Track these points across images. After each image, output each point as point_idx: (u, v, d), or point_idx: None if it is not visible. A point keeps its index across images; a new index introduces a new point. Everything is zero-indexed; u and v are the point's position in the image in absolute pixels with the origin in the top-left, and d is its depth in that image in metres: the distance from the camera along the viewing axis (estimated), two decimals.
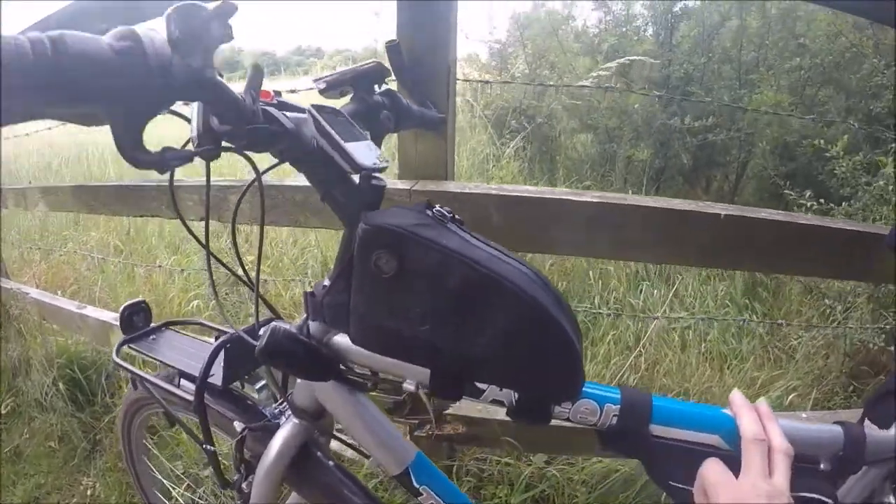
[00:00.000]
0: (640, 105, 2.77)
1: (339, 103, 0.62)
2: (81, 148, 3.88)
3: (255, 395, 0.72)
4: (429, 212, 0.46)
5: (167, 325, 0.84)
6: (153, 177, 1.38)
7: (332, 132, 0.46)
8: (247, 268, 0.66)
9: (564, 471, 1.29)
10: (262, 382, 0.73)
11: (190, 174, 1.40)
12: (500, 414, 1.13)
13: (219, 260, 0.65)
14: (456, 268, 0.43)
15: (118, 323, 0.79)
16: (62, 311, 1.73)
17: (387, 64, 0.72)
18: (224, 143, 0.46)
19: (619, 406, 0.48)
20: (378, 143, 0.61)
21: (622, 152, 2.90)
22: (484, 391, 0.50)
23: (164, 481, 1.12)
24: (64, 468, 1.53)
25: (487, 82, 2.63)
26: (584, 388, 0.49)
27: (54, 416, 1.64)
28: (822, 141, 1.71)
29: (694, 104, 2.65)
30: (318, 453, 0.66)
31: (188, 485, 1.27)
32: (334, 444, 1.23)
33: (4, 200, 1.90)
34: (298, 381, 0.61)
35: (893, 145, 1.54)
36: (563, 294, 0.49)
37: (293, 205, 1.03)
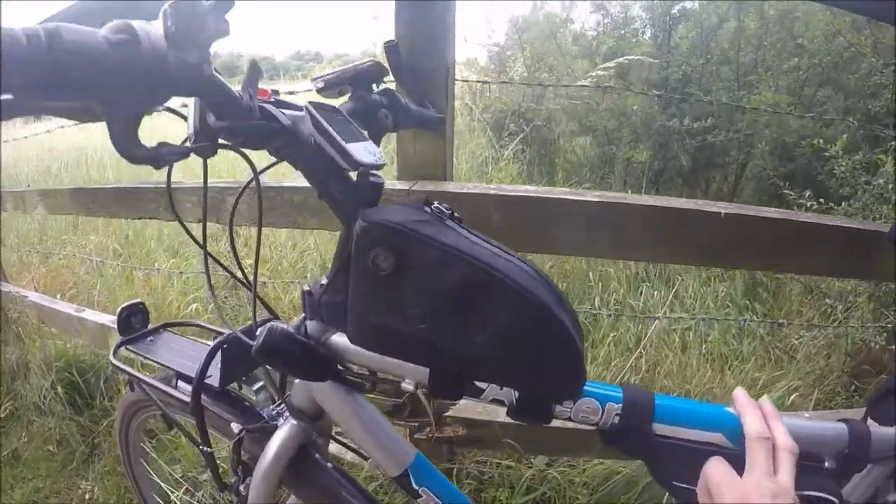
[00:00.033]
0: (639, 107, 2.77)
1: (338, 103, 0.62)
2: (81, 152, 3.87)
3: (253, 397, 0.72)
4: (427, 209, 0.46)
5: (165, 326, 0.83)
6: (151, 179, 1.38)
7: (330, 129, 0.46)
8: (245, 270, 0.65)
9: (565, 473, 1.28)
10: (260, 384, 0.73)
11: (189, 176, 1.40)
12: (501, 416, 1.14)
13: (216, 260, 0.64)
14: (455, 265, 0.42)
15: (116, 325, 0.79)
16: (61, 315, 1.73)
17: (385, 63, 0.72)
18: (221, 141, 0.46)
19: (621, 405, 0.48)
20: (376, 143, 0.61)
21: (621, 154, 2.90)
22: (484, 390, 0.49)
23: (163, 485, 1.11)
24: (62, 472, 1.52)
25: (486, 82, 2.62)
26: (585, 387, 0.48)
27: (53, 419, 1.63)
28: (821, 140, 1.71)
29: (693, 106, 2.66)
30: (317, 455, 0.65)
31: (187, 488, 1.26)
32: (334, 448, 1.23)
33: (4, 203, 1.89)
34: (296, 381, 0.61)
35: (893, 143, 1.54)
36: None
37: (291, 206, 1.03)
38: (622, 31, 3.15)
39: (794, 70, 2.46)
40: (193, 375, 0.65)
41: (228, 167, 2.64)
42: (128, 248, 2.53)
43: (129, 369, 0.73)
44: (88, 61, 0.31)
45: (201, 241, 0.61)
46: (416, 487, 0.61)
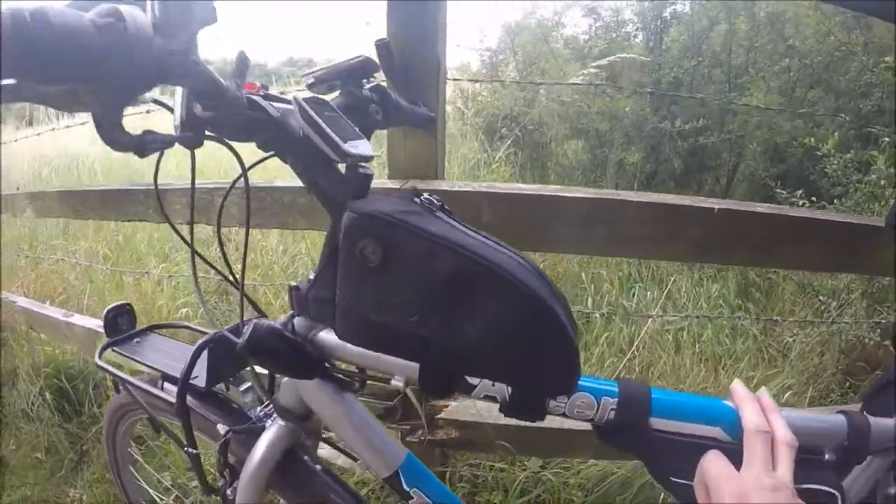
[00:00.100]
0: (631, 109, 2.78)
1: (328, 99, 0.61)
2: (72, 158, 3.84)
3: (241, 398, 0.70)
4: (417, 200, 0.45)
5: (152, 328, 0.82)
6: (140, 181, 1.37)
7: (319, 120, 0.45)
8: (233, 270, 0.64)
9: (560, 475, 1.27)
10: (248, 384, 0.71)
11: (176, 178, 1.38)
12: (494, 417, 1.12)
13: (203, 258, 0.63)
14: (445, 256, 0.41)
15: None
16: (49, 320, 1.70)
17: (376, 60, 0.71)
18: (207, 133, 0.45)
19: (616, 399, 0.47)
20: (367, 138, 0.60)
21: (613, 157, 2.91)
22: (476, 386, 0.48)
23: (152, 492, 1.09)
24: (51, 479, 1.50)
25: (478, 81, 2.63)
26: (579, 382, 0.47)
27: (41, 426, 1.60)
28: (812, 139, 1.72)
29: (684, 108, 2.67)
30: (305, 457, 0.64)
31: (176, 496, 1.24)
32: (326, 453, 1.21)
33: (4, 206, 1.87)
34: (284, 380, 0.59)
35: (886, 139, 1.55)
36: None
37: (281, 206, 1.02)
38: (613, 35, 3.18)
39: (785, 71, 2.48)
40: (179, 376, 0.64)
41: (218, 168, 2.63)
42: (118, 253, 2.50)
43: (114, 370, 0.71)
44: (74, 44, 0.31)
45: (189, 240, 0.60)
46: (408, 489, 0.59)
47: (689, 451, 0.45)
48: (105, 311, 0.77)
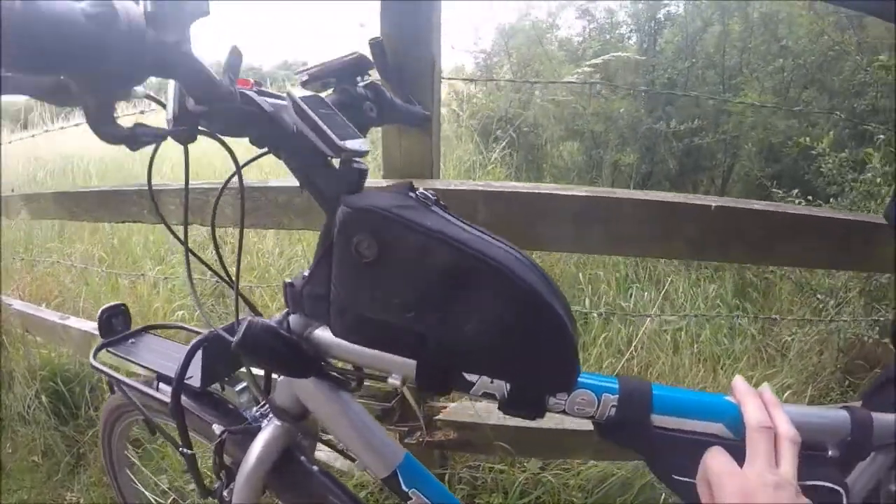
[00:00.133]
0: (626, 110, 2.79)
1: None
2: (67, 161, 3.83)
3: (236, 399, 0.69)
4: (412, 194, 0.44)
5: (147, 329, 0.81)
6: (135, 182, 1.36)
7: (312, 115, 0.44)
8: (228, 269, 0.63)
9: (560, 476, 1.27)
10: (243, 385, 0.70)
11: (172, 179, 1.38)
12: (493, 418, 1.12)
13: (198, 257, 0.63)
14: (442, 250, 0.41)
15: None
16: (45, 322, 1.69)
17: (370, 57, 0.71)
18: (200, 128, 0.44)
19: (617, 396, 0.46)
20: (363, 136, 0.60)
21: (608, 158, 2.92)
22: (474, 384, 0.47)
23: (149, 495, 1.08)
24: (47, 483, 1.49)
25: (473, 80, 2.64)
26: (579, 379, 0.46)
27: (37, 429, 1.59)
28: (807, 139, 1.73)
29: (678, 109, 2.68)
30: (302, 457, 0.63)
31: (173, 499, 1.23)
32: (324, 455, 1.21)
33: (4, 209, 1.85)
34: (279, 379, 0.59)
35: (881, 137, 1.55)
36: None
37: (276, 206, 1.01)
38: (608, 36, 3.19)
39: (779, 71, 2.49)
40: (173, 376, 0.63)
41: (213, 170, 2.62)
42: (113, 256, 2.49)
43: (108, 370, 0.70)
44: (65, 34, 0.31)
45: (183, 238, 0.59)
46: (406, 489, 0.59)
47: (691, 447, 0.44)
48: (99, 311, 0.77)
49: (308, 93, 0.57)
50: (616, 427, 0.46)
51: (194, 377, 0.65)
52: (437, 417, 1.11)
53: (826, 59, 2.34)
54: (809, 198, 1.75)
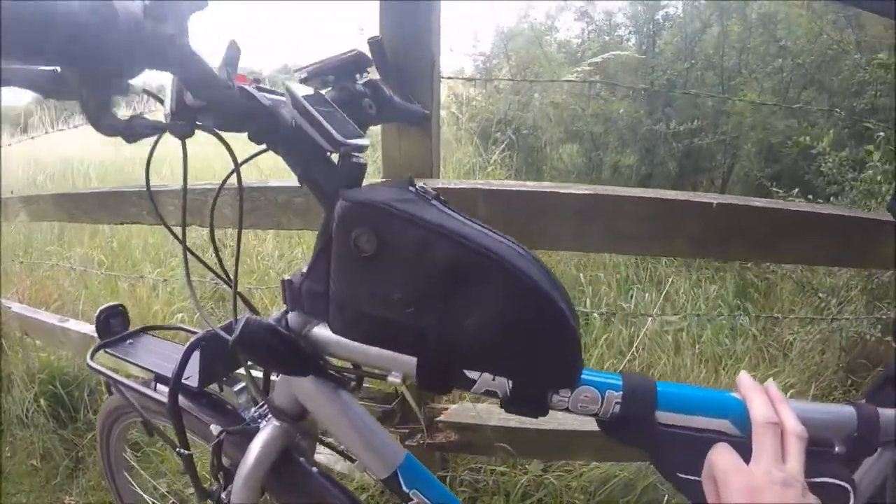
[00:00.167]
0: (625, 111, 2.79)
1: None
2: (66, 164, 3.83)
3: (235, 399, 0.69)
4: (411, 188, 0.44)
5: (145, 329, 0.80)
6: (133, 183, 1.36)
7: (311, 109, 0.44)
8: (227, 271, 0.63)
9: (562, 478, 1.26)
10: (242, 385, 0.70)
11: (171, 181, 1.37)
12: (494, 419, 1.11)
13: (196, 256, 0.62)
14: (442, 244, 0.40)
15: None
16: (44, 325, 1.69)
17: (369, 55, 0.70)
18: (198, 123, 0.44)
19: (621, 393, 0.45)
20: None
21: (608, 159, 2.92)
22: (475, 381, 0.46)
23: (147, 498, 1.07)
24: (46, 487, 1.48)
25: (472, 79, 2.64)
26: (583, 375, 0.46)
27: (36, 433, 1.59)
28: (807, 138, 1.72)
29: (678, 110, 2.68)
30: (301, 459, 0.62)
31: (172, 502, 1.22)
32: (324, 458, 1.20)
33: (4, 211, 1.85)
34: (278, 379, 0.58)
35: (881, 134, 1.55)
36: None
37: (275, 206, 1.01)
38: (606, 38, 3.19)
39: (778, 72, 2.49)
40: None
41: (212, 173, 2.62)
42: (112, 258, 2.49)
43: (105, 371, 0.70)
44: (63, 24, 0.30)
45: (181, 237, 0.59)
46: (407, 490, 0.58)
47: (697, 445, 0.43)
48: (97, 311, 0.76)
49: (307, 89, 0.57)
50: (620, 424, 0.46)
51: (192, 377, 0.64)
52: (437, 419, 1.11)
53: (825, 59, 2.34)
54: (809, 197, 1.74)
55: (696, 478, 0.43)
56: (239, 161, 0.56)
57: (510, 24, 3.41)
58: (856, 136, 2.07)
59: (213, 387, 0.70)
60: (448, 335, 0.42)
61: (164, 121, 0.42)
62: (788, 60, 2.42)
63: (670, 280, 2.09)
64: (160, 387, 0.69)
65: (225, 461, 0.64)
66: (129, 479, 1.01)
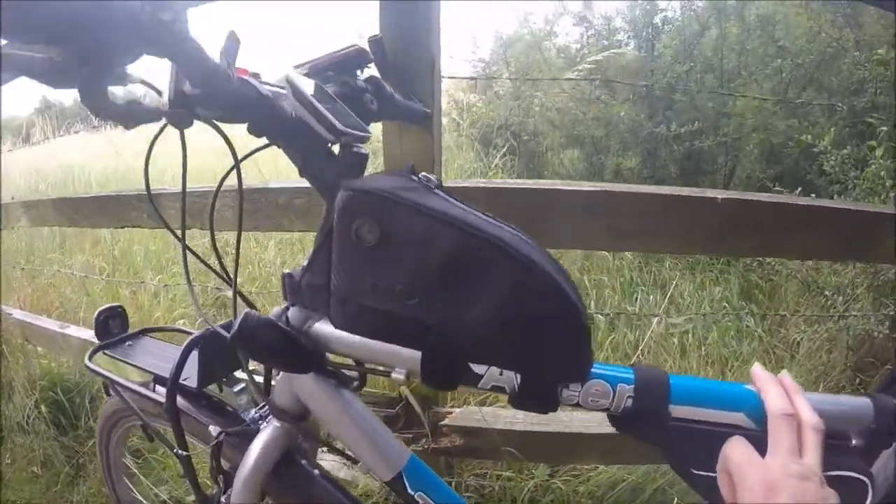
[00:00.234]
0: (626, 114, 2.79)
1: None
2: (68, 172, 3.84)
3: (235, 400, 0.67)
4: (413, 177, 0.43)
5: (144, 331, 0.79)
6: (133, 187, 1.35)
7: (311, 98, 0.43)
8: (227, 268, 0.62)
9: (569, 482, 1.24)
10: (242, 385, 0.68)
11: (171, 184, 1.37)
12: (500, 422, 1.09)
13: (196, 254, 0.61)
14: (446, 233, 0.39)
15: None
16: (45, 332, 1.68)
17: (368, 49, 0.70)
18: (198, 112, 0.43)
19: (633, 386, 0.44)
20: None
21: (610, 163, 2.91)
22: (482, 376, 0.45)
23: None
24: (46, 494, 1.46)
25: (473, 79, 2.64)
26: (593, 369, 0.44)
27: (36, 439, 1.57)
28: (809, 136, 1.72)
29: (678, 112, 2.68)
30: (303, 461, 0.61)
31: None
32: (326, 465, 1.18)
33: (4, 216, 1.85)
34: (278, 378, 0.57)
35: (885, 129, 1.54)
36: None
37: (276, 208, 1.00)
38: (605, 42, 3.20)
39: (777, 73, 2.49)
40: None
41: (214, 177, 2.62)
42: (113, 265, 2.49)
43: (104, 372, 0.68)
44: (58, 4, 0.30)
45: (181, 235, 0.58)
46: (412, 492, 0.56)
47: (711, 439, 0.42)
48: (96, 313, 0.75)
49: (309, 81, 0.56)
50: (632, 419, 0.44)
51: (191, 378, 0.63)
52: (442, 423, 1.09)
53: (824, 59, 2.34)
54: (812, 195, 1.73)
55: (711, 473, 0.42)
56: (239, 157, 0.55)
57: (509, 31, 3.44)
58: (857, 135, 2.06)
59: (214, 389, 0.68)
60: (453, 327, 0.41)
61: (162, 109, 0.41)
62: (787, 61, 2.43)
63: (674, 283, 2.08)
64: (159, 388, 0.67)
65: (224, 464, 0.62)
66: (130, 485, 0.99)
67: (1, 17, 0.28)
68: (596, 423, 1.04)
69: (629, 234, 0.88)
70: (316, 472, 0.61)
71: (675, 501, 1.14)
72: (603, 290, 2.09)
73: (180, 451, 0.62)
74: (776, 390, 0.41)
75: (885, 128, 1.52)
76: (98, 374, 0.69)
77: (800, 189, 1.77)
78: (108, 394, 0.76)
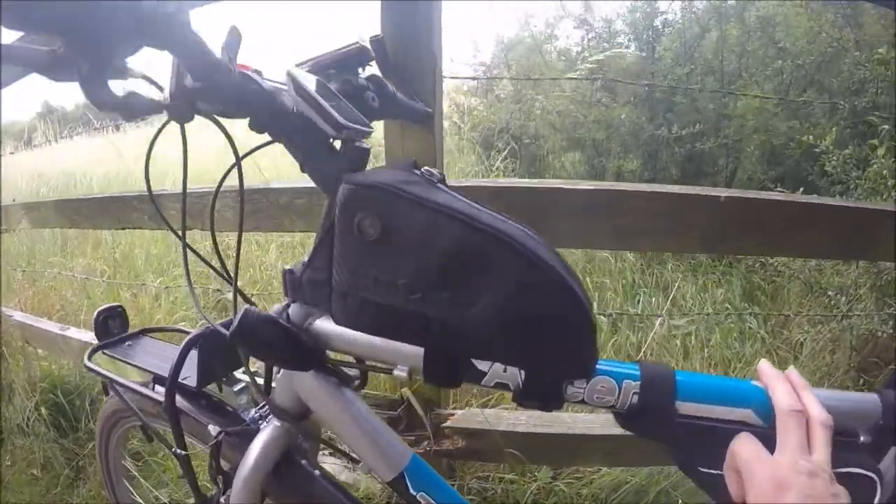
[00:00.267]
0: (627, 116, 2.79)
1: None
2: (69, 177, 3.85)
3: (235, 400, 0.67)
4: (416, 171, 0.42)
5: (144, 331, 0.79)
6: (133, 186, 1.35)
7: (313, 92, 0.43)
8: (227, 266, 0.62)
9: (572, 485, 1.23)
10: (242, 385, 0.68)
11: (172, 186, 1.37)
12: (503, 424, 1.09)
13: (196, 252, 0.61)
14: (450, 226, 0.38)
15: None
16: (46, 334, 1.68)
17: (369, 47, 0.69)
18: (199, 106, 0.43)
19: (639, 382, 0.43)
20: None
21: (611, 166, 2.91)
22: (486, 373, 0.44)
23: None
24: (46, 496, 1.46)
25: (474, 79, 2.65)
26: (598, 365, 0.44)
27: (36, 441, 1.57)
28: (810, 137, 1.71)
29: (679, 115, 2.68)
30: (303, 461, 0.60)
31: None
32: (327, 468, 1.17)
33: (5, 218, 1.85)
34: (279, 376, 0.56)
35: (886, 127, 1.53)
36: None
37: (277, 208, 1.00)
38: (606, 45, 3.21)
39: (778, 74, 2.49)
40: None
41: (211, 177, 2.62)
42: (115, 267, 2.49)
43: (103, 371, 0.68)
44: None
45: (181, 234, 0.57)
46: (414, 493, 0.55)
47: (718, 436, 0.41)
48: (95, 312, 0.74)
49: (311, 76, 0.56)
50: (638, 416, 0.43)
51: (191, 377, 0.62)
52: (444, 425, 1.08)
53: (824, 59, 2.33)
54: (815, 196, 1.73)
55: (718, 472, 0.41)
56: (240, 154, 0.55)
57: (510, 34, 3.45)
58: (858, 135, 2.06)
59: (214, 388, 0.68)
60: (457, 322, 0.40)
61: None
62: (788, 62, 2.42)
63: (676, 285, 2.07)
64: (158, 387, 0.67)
65: (224, 464, 0.61)
66: (130, 487, 0.99)
67: (2, 7, 0.28)
68: (599, 424, 1.03)
69: (632, 233, 0.88)
70: (316, 472, 0.60)
71: (678, 503, 1.13)
72: (605, 293, 2.09)
73: (179, 451, 0.61)
74: (784, 387, 0.41)
75: (886, 126, 1.52)
76: (97, 373, 0.68)
77: (801, 190, 1.76)
78: (106, 393, 0.75)
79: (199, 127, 0.45)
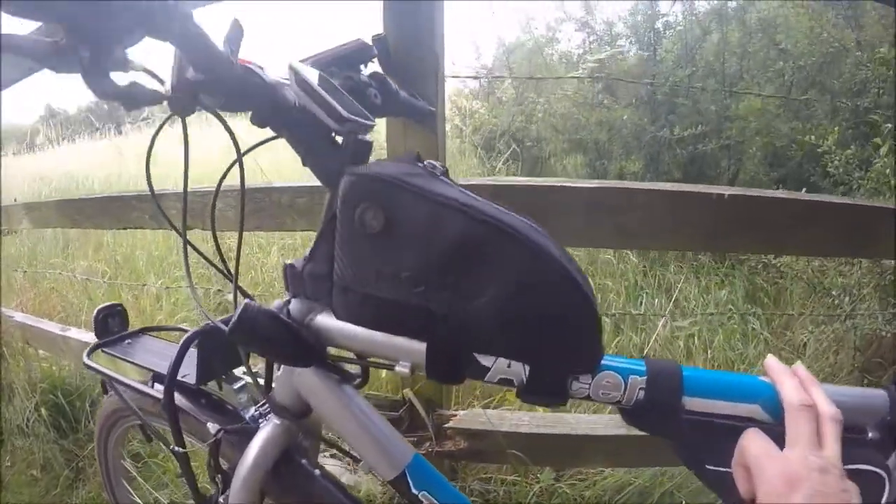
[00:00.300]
0: (629, 118, 2.79)
1: None
2: (71, 179, 3.86)
3: (234, 398, 0.66)
4: (419, 164, 0.42)
5: (144, 330, 0.78)
6: (134, 189, 1.35)
7: (315, 85, 0.42)
8: (228, 264, 0.61)
9: (575, 486, 1.22)
10: (242, 383, 0.67)
11: (173, 187, 1.37)
12: (505, 425, 1.08)
13: (196, 249, 0.60)
14: (453, 218, 0.38)
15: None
16: (46, 334, 1.68)
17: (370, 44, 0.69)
18: (200, 99, 0.42)
19: (645, 378, 0.42)
20: None
21: (613, 168, 2.91)
22: (489, 368, 0.43)
23: None
24: (46, 497, 1.45)
25: (476, 77, 2.65)
26: (604, 361, 0.43)
27: (36, 442, 1.57)
28: (812, 137, 1.71)
29: (681, 116, 2.68)
30: (303, 460, 0.59)
31: None
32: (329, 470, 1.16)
33: (5, 218, 1.85)
34: (279, 374, 0.56)
35: (889, 126, 1.53)
36: None
37: (279, 207, 0.99)
38: (607, 48, 3.21)
39: (779, 75, 2.49)
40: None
41: (210, 178, 2.62)
42: (116, 269, 2.49)
43: (101, 368, 0.67)
44: None
45: (182, 231, 0.57)
46: (415, 492, 0.54)
47: (726, 432, 0.41)
48: (95, 311, 0.74)
49: (313, 70, 0.55)
50: (645, 412, 0.43)
51: (190, 375, 0.62)
52: (446, 426, 1.08)
53: (826, 60, 2.34)
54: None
55: (726, 469, 0.41)
56: (242, 150, 0.54)
57: (511, 37, 3.46)
58: (860, 136, 2.05)
59: (213, 387, 0.67)
60: (460, 316, 0.40)
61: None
62: (789, 63, 2.42)
63: (679, 286, 2.06)
64: (157, 385, 0.66)
65: (223, 463, 0.61)
66: (129, 488, 0.98)
67: None
68: (602, 424, 1.02)
69: (634, 231, 0.87)
70: (316, 471, 0.60)
71: None
72: (608, 294, 2.08)
73: (178, 449, 0.60)
74: (792, 381, 0.40)
75: (889, 125, 1.51)
76: (96, 371, 0.68)
77: (804, 191, 1.76)
78: (105, 392, 0.75)
79: (203, 126, 0.45)
